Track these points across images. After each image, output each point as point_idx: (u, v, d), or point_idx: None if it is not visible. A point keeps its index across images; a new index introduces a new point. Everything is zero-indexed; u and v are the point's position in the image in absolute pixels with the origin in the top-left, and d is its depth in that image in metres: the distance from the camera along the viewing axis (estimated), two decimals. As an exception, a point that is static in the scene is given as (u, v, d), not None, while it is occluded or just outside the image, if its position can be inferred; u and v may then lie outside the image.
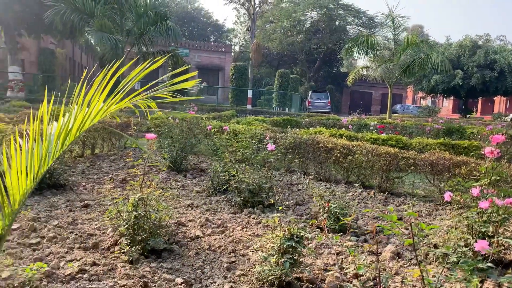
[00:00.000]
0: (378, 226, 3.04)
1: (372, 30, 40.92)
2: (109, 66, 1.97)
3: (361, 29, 42.93)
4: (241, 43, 53.78)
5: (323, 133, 7.69)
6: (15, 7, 20.40)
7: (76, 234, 3.73)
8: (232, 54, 42.77)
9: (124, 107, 2.23)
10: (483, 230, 3.16)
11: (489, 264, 1.70)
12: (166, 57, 2.32)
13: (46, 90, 1.86)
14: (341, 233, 3.83)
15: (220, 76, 39.53)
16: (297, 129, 9.82)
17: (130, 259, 3.24)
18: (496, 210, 3.12)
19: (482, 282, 1.87)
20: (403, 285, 3.00)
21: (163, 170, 4.07)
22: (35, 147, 1.82)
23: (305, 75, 45.48)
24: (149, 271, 3.04)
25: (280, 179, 6.12)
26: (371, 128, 12.29)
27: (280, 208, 3.24)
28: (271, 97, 33.47)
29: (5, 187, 1.86)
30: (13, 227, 3.81)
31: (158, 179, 4.01)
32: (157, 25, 17.07)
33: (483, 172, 3.44)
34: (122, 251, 3.35)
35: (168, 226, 3.83)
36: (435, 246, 3.51)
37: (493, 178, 3.31)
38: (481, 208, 3.01)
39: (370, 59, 20.65)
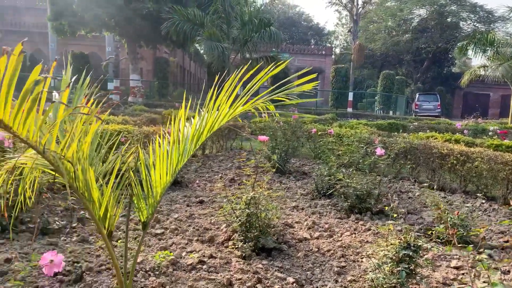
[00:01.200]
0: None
1: (491, 25, 36.92)
2: (237, 72, 2.10)
3: (477, 25, 39.01)
4: (342, 45, 52.79)
5: (436, 138, 7.17)
6: (136, 21, 22.83)
7: (194, 228, 4.04)
8: (333, 56, 42.19)
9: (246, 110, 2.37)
10: None
11: None
12: (287, 61, 2.40)
13: (184, 97, 2.06)
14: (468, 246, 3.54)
15: (319, 79, 39.29)
16: (405, 134, 9.32)
17: (243, 254, 3.41)
18: None
19: None
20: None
21: (272, 171, 4.21)
22: (174, 146, 2.03)
23: (411, 76, 42.84)
24: (262, 268, 3.16)
25: (388, 186, 5.87)
26: (490, 133, 11.11)
27: (395, 215, 3.12)
28: (374, 99, 32.21)
29: (144, 180, 2.11)
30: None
31: (268, 179, 4.15)
32: (260, 32, 17.64)
33: None
34: (236, 246, 3.54)
35: (276, 226, 3.95)
36: None
37: None
38: None
39: (488, 58, 18.66)
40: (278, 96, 2.33)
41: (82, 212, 4.22)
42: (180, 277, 2.93)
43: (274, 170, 4.18)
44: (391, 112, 29.07)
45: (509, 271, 3.31)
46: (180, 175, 5.94)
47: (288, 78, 2.15)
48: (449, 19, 40.02)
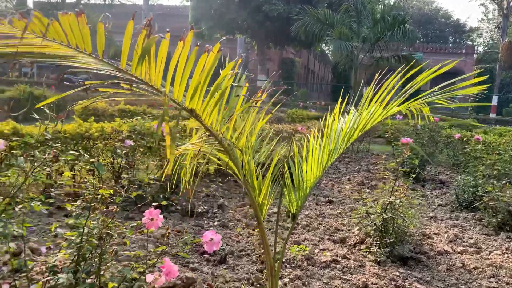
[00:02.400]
0: None
1: None
2: (398, 73, 2.04)
3: None
4: (486, 43, 47.05)
5: None
6: (267, 24, 23.86)
7: (324, 226, 4.06)
8: (475, 55, 37.92)
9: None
10: None
11: None
12: (456, 62, 2.24)
13: (339, 98, 2.08)
14: None
15: (458, 81, 35.67)
16: None
17: (378, 260, 3.29)
18: None
19: None
20: None
21: (412, 178, 3.96)
22: (326, 144, 2.07)
23: None
24: (399, 276, 3.02)
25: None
26: None
27: None
28: (525, 105, 28.00)
29: (295, 174, 2.19)
30: (273, 211, 4.47)
31: (409, 184, 3.95)
32: (393, 30, 16.78)
33: None
34: (369, 250, 3.45)
35: (413, 235, 3.73)
36: None
37: None
38: None
39: None
40: (438, 99, 2.20)
41: (221, 199, 4.58)
42: (315, 273, 2.97)
43: (414, 176, 3.91)
44: (547, 120, 24.87)
45: None
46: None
47: (456, 79, 2.01)
48: None
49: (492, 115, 24.52)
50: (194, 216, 3.93)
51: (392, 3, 19.44)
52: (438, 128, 7.43)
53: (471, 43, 45.91)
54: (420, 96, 2.14)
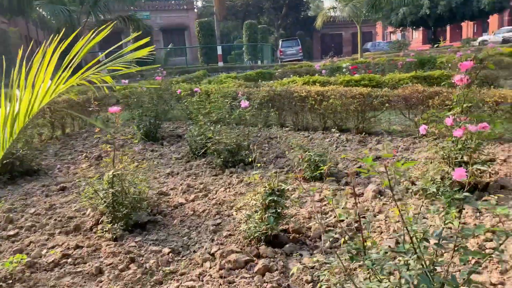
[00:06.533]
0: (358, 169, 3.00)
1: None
2: (54, 39, 1.79)
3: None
4: (203, -1, 51.55)
5: (296, 82, 7.57)
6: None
7: (55, 220, 3.64)
8: (195, 10, 41.11)
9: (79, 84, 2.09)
10: (459, 158, 3.21)
11: (466, 194, 1.70)
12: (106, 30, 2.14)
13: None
14: (321, 180, 3.86)
15: (186, 36, 38.15)
16: (271, 81, 9.65)
17: (114, 236, 3.19)
18: (469, 136, 3.15)
19: (460, 211, 1.88)
20: (386, 222, 3.06)
21: (138, 142, 3.94)
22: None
23: (273, 24, 44.34)
24: (135, 246, 3.01)
25: (258, 135, 6.06)
26: (344, 70, 12.17)
27: (259, 164, 3.20)
28: (242, 51, 32.68)
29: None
30: None
31: (133, 152, 3.89)
32: (110, -10, 16.10)
33: (455, 100, 3.42)
34: (105, 229, 3.29)
35: (149, 198, 3.77)
36: (413, 183, 3.57)
37: (464, 105, 3.30)
38: (456, 137, 3.02)
39: (337, -1, 20.20)
40: (112, 66, 2.10)
41: None
42: (40, 279, 2.61)
43: (136, 141, 3.92)
44: (259, 62, 29.94)
45: (362, 193, 3.73)
46: (36, 162, 5.26)
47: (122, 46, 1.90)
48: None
49: (220, 64, 27.62)
50: None
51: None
52: (167, 85, 7.72)
53: (190, -1, 49.36)
54: (87, 66, 1.98)
